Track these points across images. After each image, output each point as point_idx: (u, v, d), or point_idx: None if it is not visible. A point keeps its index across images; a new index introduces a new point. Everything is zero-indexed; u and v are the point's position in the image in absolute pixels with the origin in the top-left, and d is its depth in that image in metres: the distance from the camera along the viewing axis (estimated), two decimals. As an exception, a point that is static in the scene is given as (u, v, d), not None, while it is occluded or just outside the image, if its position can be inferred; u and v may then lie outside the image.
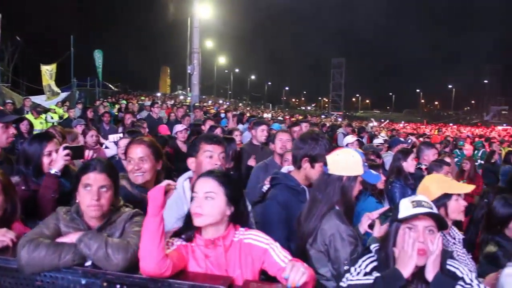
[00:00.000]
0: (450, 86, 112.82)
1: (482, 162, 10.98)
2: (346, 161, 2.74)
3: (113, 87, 37.60)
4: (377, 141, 9.16)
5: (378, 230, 2.69)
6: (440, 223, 2.19)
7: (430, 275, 2.10)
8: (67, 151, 3.15)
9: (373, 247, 2.40)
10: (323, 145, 3.17)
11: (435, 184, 3.05)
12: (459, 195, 3.02)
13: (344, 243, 2.58)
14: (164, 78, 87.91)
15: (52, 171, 3.14)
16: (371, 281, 2.15)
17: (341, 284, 2.29)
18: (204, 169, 2.74)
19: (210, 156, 3.02)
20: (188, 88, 26.78)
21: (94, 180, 2.40)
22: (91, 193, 2.38)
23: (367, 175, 2.81)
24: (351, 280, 2.25)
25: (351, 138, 7.51)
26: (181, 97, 49.31)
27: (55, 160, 3.21)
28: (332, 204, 2.71)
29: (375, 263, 2.28)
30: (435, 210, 2.20)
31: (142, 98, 34.06)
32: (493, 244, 3.18)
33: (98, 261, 2.19)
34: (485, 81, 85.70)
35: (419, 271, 2.14)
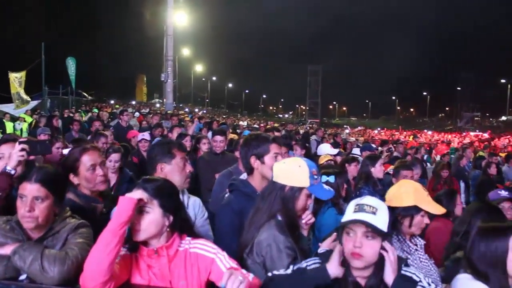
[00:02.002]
0: (425, 94, 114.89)
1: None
2: (290, 171, 2.59)
3: (87, 95, 37.02)
4: (355, 151, 9.12)
5: (328, 244, 2.50)
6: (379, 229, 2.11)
7: (389, 278, 2.07)
8: (21, 146, 2.90)
9: (320, 250, 2.35)
10: (263, 139, 3.14)
11: (411, 193, 2.94)
12: (426, 212, 2.96)
13: (281, 255, 2.44)
14: (141, 86, 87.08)
15: (7, 169, 2.92)
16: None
17: (268, 274, 2.26)
18: (176, 177, 2.80)
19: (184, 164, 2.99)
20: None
21: (28, 190, 2.27)
22: (24, 204, 2.24)
23: (315, 189, 2.61)
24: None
25: (328, 148, 7.47)
26: (158, 105, 49.00)
27: (11, 157, 3.02)
28: (272, 213, 2.57)
29: (317, 265, 2.21)
30: (380, 214, 2.12)
31: (117, 106, 33.68)
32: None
33: (33, 274, 2.06)
34: (458, 88, 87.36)
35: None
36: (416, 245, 2.98)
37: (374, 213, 2.10)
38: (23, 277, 2.10)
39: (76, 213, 2.54)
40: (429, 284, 2.06)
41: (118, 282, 2.02)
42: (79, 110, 21.80)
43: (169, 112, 17.51)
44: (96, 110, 20.72)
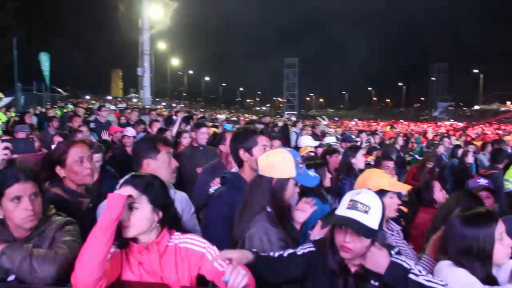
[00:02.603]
0: (400, 84, 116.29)
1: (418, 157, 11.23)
2: (277, 163, 2.62)
3: (62, 91, 36.37)
4: (330, 140, 9.20)
5: (317, 233, 2.58)
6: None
7: (381, 269, 2.10)
8: (4, 145, 2.83)
9: (313, 240, 2.42)
10: (251, 132, 3.20)
11: (373, 179, 3.10)
12: (394, 193, 3.04)
13: (273, 247, 2.47)
14: (116, 81, 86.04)
15: None
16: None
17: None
18: (163, 172, 2.77)
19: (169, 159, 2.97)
20: (142, 91, 26.34)
21: (23, 189, 2.23)
22: (24, 204, 2.20)
23: (302, 178, 2.67)
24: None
25: (309, 140, 7.50)
26: (135, 100, 48.47)
27: None
28: (262, 206, 2.60)
29: (312, 249, 2.30)
30: (372, 213, 2.15)
31: (93, 102, 33.17)
32: None
33: (22, 274, 2.03)
34: (433, 79, 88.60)
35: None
36: (392, 230, 3.07)
37: (366, 212, 2.14)
38: (11, 278, 2.06)
39: (62, 208, 2.52)
40: (420, 271, 2.09)
41: (110, 280, 2.01)
42: (54, 106, 21.38)
43: (147, 106, 17.33)
44: (71, 106, 20.32)
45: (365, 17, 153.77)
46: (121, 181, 2.95)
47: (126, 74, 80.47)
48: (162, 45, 50.39)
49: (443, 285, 2.02)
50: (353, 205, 2.16)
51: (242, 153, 3.12)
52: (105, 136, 7.70)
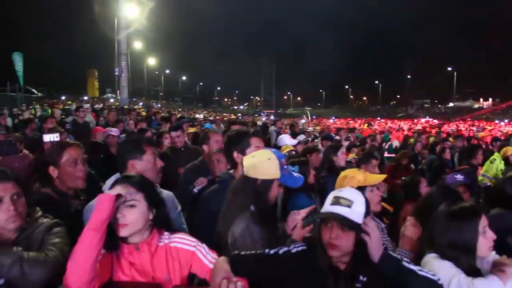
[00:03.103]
0: (376, 82, 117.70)
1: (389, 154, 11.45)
2: (261, 164, 2.66)
3: (37, 92, 35.72)
4: (300, 138, 9.27)
5: (298, 233, 2.58)
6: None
7: (375, 257, 2.14)
8: None
9: (305, 238, 2.45)
10: (244, 134, 3.27)
11: (348, 179, 3.17)
12: (373, 186, 3.12)
13: (256, 245, 2.49)
14: (92, 81, 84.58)
15: None
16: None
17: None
18: (149, 172, 2.75)
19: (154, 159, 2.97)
20: (118, 91, 26.05)
21: (4, 190, 2.20)
22: (5, 205, 2.18)
23: (286, 179, 2.71)
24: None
25: (287, 139, 7.55)
26: (112, 100, 47.88)
27: None
28: (246, 205, 2.63)
29: (303, 247, 2.31)
30: (355, 207, 2.18)
31: (69, 102, 32.72)
32: None
33: (13, 278, 2.00)
34: (408, 77, 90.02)
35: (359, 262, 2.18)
36: (382, 230, 3.12)
37: (349, 206, 2.17)
38: (1, 281, 2.03)
39: (50, 208, 2.51)
40: (409, 263, 2.15)
41: (101, 281, 2.01)
42: (30, 107, 20.96)
43: (126, 107, 17.17)
44: (38, 107, 19.78)
45: (342, 16, 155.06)
46: (109, 182, 2.96)
47: (101, 74, 79.43)
48: (138, 45, 49.83)
49: (433, 275, 2.08)
50: (336, 201, 2.20)
51: (236, 154, 3.20)
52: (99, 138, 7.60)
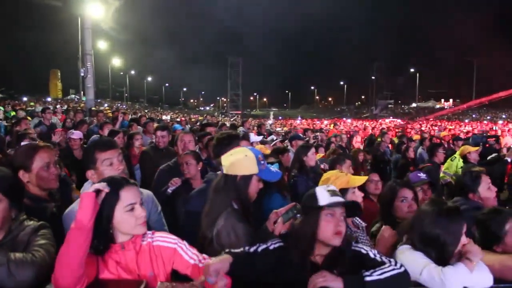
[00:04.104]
0: (342, 83, 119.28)
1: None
2: (239, 161, 2.74)
3: (-4, 93, 34.68)
4: (271, 138, 9.44)
5: (279, 229, 2.68)
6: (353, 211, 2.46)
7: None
8: None
9: (282, 234, 2.54)
10: (234, 137, 3.31)
11: (331, 182, 3.27)
12: (354, 187, 3.26)
13: (240, 242, 2.58)
14: (55, 82, 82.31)
15: None
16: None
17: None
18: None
19: (110, 163, 2.86)
20: (82, 92, 25.50)
21: None
22: None
23: (264, 174, 2.79)
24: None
25: (252, 136, 7.64)
26: (76, 101, 46.88)
27: None
28: (227, 204, 2.71)
29: (280, 244, 2.40)
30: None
31: (32, 104, 31.88)
32: None
33: (0, 279, 2.02)
34: (373, 77, 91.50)
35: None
36: (357, 227, 3.26)
37: (342, 197, 2.37)
38: (-14, 283, 2.06)
39: (27, 215, 2.49)
40: (375, 255, 2.31)
41: (89, 279, 2.07)
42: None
43: (93, 108, 16.90)
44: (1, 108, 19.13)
45: (307, 17, 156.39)
46: (87, 185, 2.98)
47: (64, 74, 77.62)
48: (103, 45, 48.97)
49: (396, 262, 2.25)
50: (333, 193, 2.35)
51: None
52: (56, 138, 7.47)
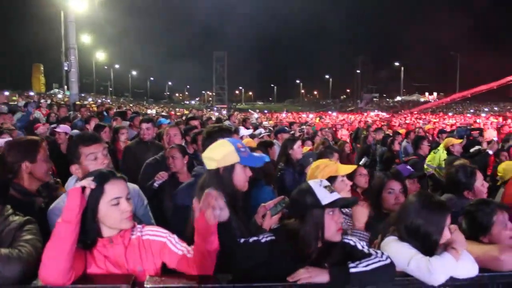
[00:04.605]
0: (327, 77, 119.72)
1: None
2: (218, 153, 2.70)
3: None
4: (260, 131, 9.46)
5: (268, 222, 2.70)
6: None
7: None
8: None
9: (272, 228, 2.53)
10: (226, 130, 3.29)
11: (320, 170, 3.28)
12: (343, 176, 3.28)
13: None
14: (37, 76, 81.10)
15: None
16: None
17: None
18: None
19: (95, 158, 2.85)
20: (66, 86, 25.24)
21: None
22: None
23: (247, 160, 2.73)
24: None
25: (242, 130, 7.66)
26: (59, 96, 46.33)
27: None
28: None
29: (273, 238, 2.39)
30: None
31: (14, 98, 31.42)
32: None
33: None
34: (358, 71, 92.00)
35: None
36: (346, 214, 3.27)
37: (335, 191, 2.40)
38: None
39: (13, 208, 2.47)
40: (363, 247, 2.35)
41: (77, 273, 2.06)
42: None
43: (78, 103, 16.72)
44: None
45: (293, 11, 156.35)
46: (71, 180, 2.96)
47: (47, 68, 76.61)
48: (86, 39, 48.47)
49: (382, 254, 2.29)
50: (330, 189, 2.38)
51: None
52: (41, 131, 7.38)
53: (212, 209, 2.03)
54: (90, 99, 52.75)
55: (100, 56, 77.38)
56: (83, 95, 53.89)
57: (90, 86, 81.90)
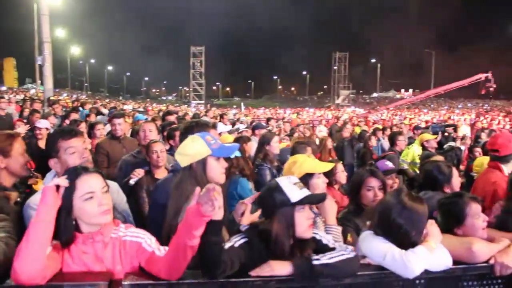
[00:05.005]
0: (304, 73, 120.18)
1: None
2: (188, 149, 2.70)
3: None
4: (240, 126, 9.48)
5: (247, 219, 2.70)
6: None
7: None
8: None
9: (243, 227, 2.51)
10: (203, 125, 3.28)
11: (297, 165, 3.28)
12: (320, 173, 3.30)
13: None
14: (9, 71, 79.37)
15: None
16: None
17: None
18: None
19: (74, 152, 2.82)
20: (39, 81, 24.74)
21: None
22: None
23: (219, 151, 2.73)
24: None
25: (222, 126, 7.65)
26: (32, 91, 45.40)
27: None
28: (188, 194, 2.58)
29: (246, 239, 2.38)
30: None
31: (-16, 93, 30.73)
32: None
33: None
34: (335, 68, 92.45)
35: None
36: (315, 213, 3.30)
37: (307, 183, 2.49)
38: None
39: None
40: (328, 241, 2.43)
41: (53, 271, 2.04)
42: None
43: (52, 98, 16.40)
44: None
45: (270, 7, 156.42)
46: (49, 175, 2.92)
47: (20, 63, 74.91)
48: (61, 33, 47.55)
49: (347, 247, 2.37)
50: (300, 186, 2.40)
51: None
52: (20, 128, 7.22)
53: (211, 204, 1.92)
54: (65, 95, 51.77)
55: (75, 50, 76.08)
56: (57, 90, 52.84)
57: (64, 81, 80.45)
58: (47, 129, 6.78)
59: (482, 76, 52.67)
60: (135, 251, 2.24)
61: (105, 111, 13.78)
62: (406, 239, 2.51)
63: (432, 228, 2.56)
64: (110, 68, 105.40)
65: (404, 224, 2.52)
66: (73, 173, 2.18)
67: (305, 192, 2.36)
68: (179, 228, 2.03)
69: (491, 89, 53.38)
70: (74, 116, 8.20)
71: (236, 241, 2.36)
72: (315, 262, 2.22)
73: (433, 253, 2.44)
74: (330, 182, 4.72)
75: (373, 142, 9.30)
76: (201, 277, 2.17)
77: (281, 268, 2.23)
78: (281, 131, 10.82)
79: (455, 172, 3.94)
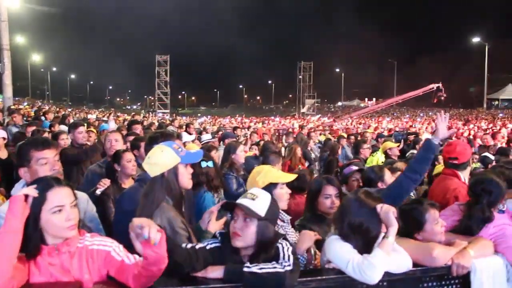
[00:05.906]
0: (270, 82, 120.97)
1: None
2: (159, 159, 2.74)
3: None
4: (205, 137, 9.50)
5: (213, 226, 2.85)
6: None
7: None
8: None
9: (219, 232, 2.61)
10: (168, 136, 3.32)
11: (262, 175, 3.35)
12: (283, 184, 3.36)
13: (176, 236, 2.62)
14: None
15: None
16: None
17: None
18: None
19: (45, 163, 2.83)
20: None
21: None
22: None
23: (187, 158, 2.82)
24: None
25: (186, 136, 7.65)
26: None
27: None
28: (160, 200, 2.71)
29: (218, 244, 2.51)
30: (258, 201, 2.49)
31: None
32: None
33: None
34: (300, 77, 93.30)
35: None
36: (283, 221, 3.36)
37: (253, 199, 2.48)
38: None
39: None
40: (284, 253, 2.46)
41: (20, 282, 2.02)
42: None
43: (12, 107, 15.96)
44: None
45: (234, 15, 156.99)
46: (18, 185, 2.89)
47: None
48: (20, 39, 46.43)
49: (288, 261, 2.39)
50: (244, 196, 2.52)
51: None
52: None
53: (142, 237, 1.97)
54: (25, 103, 50.41)
55: (36, 58, 74.39)
56: (17, 99, 51.47)
57: (25, 90, 78.33)
58: (4, 138, 6.56)
59: (434, 86, 54.97)
60: (103, 260, 2.24)
61: (92, 116, 13.51)
62: (367, 237, 2.63)
63: (386, 210, 2.63)
64: (72, 76, 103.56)
65: (364, 221, 2.63)
66: (44, 184, 2.17)
67: (238, 201, 2.50)
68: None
69: (442, 98, 55.74)
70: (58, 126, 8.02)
71: (209, 243, 2.50)
72: (245, 270, 2.32)
73: (391, 255, 2.56)
74: (303, 190, 4.77)
75: (338, 150, 9.45)
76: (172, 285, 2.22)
77: (214, 271, 2.37)
78: (247, 140, 10.87)
79: (387, 172, 4.40)
